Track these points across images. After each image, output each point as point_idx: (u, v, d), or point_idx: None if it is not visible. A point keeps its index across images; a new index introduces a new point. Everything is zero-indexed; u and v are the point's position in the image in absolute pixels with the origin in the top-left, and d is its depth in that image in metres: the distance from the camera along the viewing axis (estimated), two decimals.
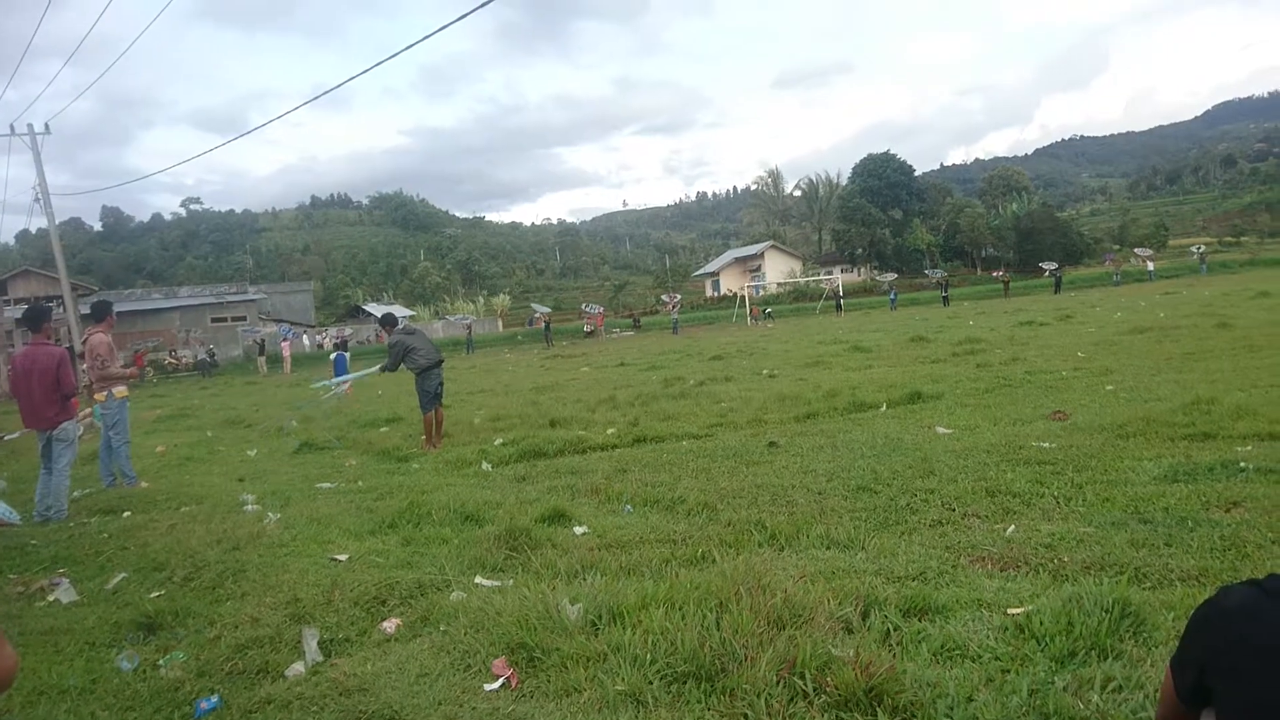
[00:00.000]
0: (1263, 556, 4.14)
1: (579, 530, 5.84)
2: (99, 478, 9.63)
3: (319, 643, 4.05)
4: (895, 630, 3.54)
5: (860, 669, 3.04)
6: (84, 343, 9.53)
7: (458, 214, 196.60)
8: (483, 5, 9.72)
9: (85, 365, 9.61)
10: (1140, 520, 4.89)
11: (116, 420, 9.34)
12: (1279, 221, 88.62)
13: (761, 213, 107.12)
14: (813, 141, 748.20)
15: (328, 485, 8.86)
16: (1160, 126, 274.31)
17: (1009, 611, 3.60)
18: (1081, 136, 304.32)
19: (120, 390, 9.35)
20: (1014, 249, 72.27)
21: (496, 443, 10.71)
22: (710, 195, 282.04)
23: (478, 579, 4.84)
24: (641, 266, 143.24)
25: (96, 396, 9.36)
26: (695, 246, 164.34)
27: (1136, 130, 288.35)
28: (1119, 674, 2.98)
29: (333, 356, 28.85)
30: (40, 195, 34.74)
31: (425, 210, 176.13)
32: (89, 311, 9.48)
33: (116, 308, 10.58)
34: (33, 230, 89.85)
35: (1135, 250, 64.27)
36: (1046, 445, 7.09)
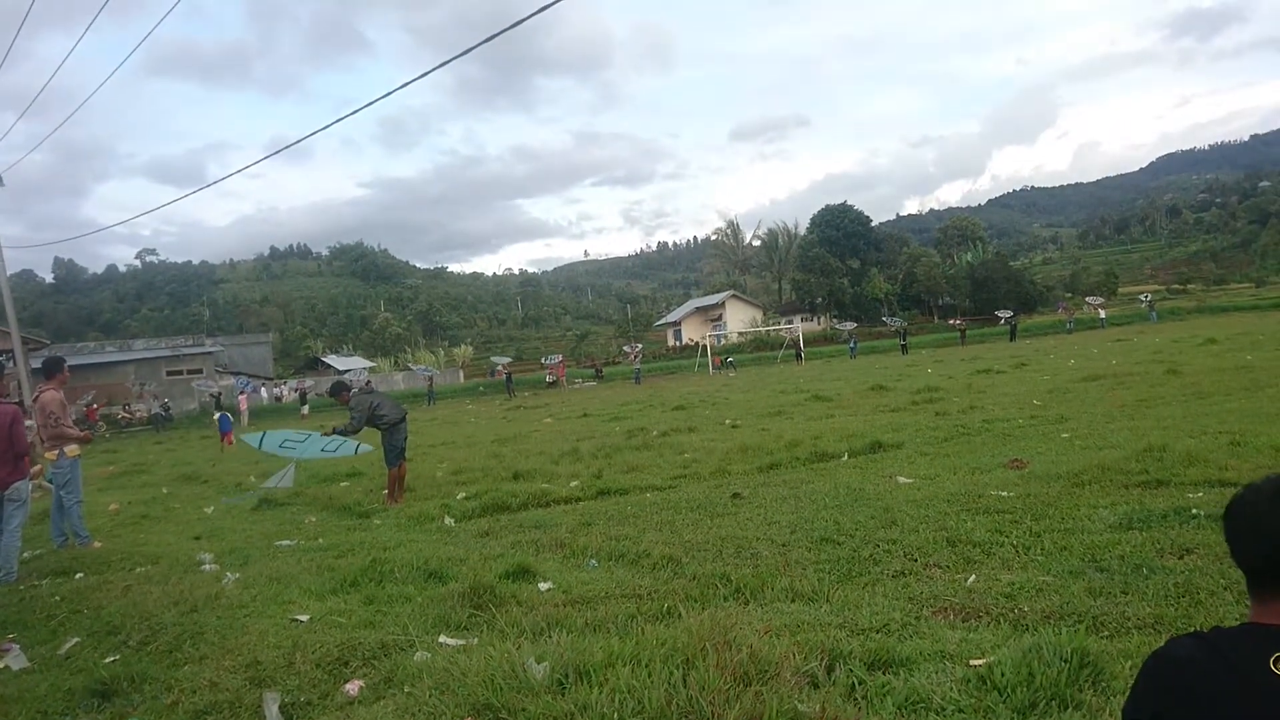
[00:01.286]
0: (1215, 603, 4.23)
1: (544, 586, 5.82)
2: (50, 538, 9.39)
3: (280, 707, 3.99)
4: (860, 684, 3.57)
5: None
6: (35, 400, 9.33)
7: (419, 265, 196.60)
8: (443, 65, 9.85)
9: (36, 423, 9.37)
10: (1097, 568, 4.98)
11: (68, 479, 9.12)
12: (1223, 269, 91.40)
13: (722, 262, 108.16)
14: (771, 192, 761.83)
15: (287, 543, 8.73)
16: (1107, 178, 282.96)
17: (971, 663, 3.64)
18: (1032, 187, 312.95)
19: (72, 449, 9.13)
20: (969, 297, 73.63)
21: (459, 497, 10.63)
22: (671, 245, 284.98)
23: (442, 638, 4.80)
24: (603, 316, 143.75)
25: (48, 455, 9.16)
26: (657, 296, 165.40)
27: (1084, 181, 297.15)
28: None
29: (216, 416, 26.92)
30: None
31: (386, 261, 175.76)
32: (39, 366, 9.27)
33: (70, 361, 10.38)
34: None
35: (1087, 298, 65.70)
36: (1005, 494, 7.20)
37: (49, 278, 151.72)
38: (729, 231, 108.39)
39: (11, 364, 34.87)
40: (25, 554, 8.63)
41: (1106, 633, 4.02)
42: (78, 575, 7.73)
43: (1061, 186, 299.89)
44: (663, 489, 9.89)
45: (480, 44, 9.71)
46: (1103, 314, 54.29)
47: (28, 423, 9.25)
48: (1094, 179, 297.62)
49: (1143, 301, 58.69)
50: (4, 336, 41.59)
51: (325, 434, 11.98)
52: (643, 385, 44.23)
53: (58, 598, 6.69)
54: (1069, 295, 74.97)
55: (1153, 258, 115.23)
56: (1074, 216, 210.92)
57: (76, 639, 5.48)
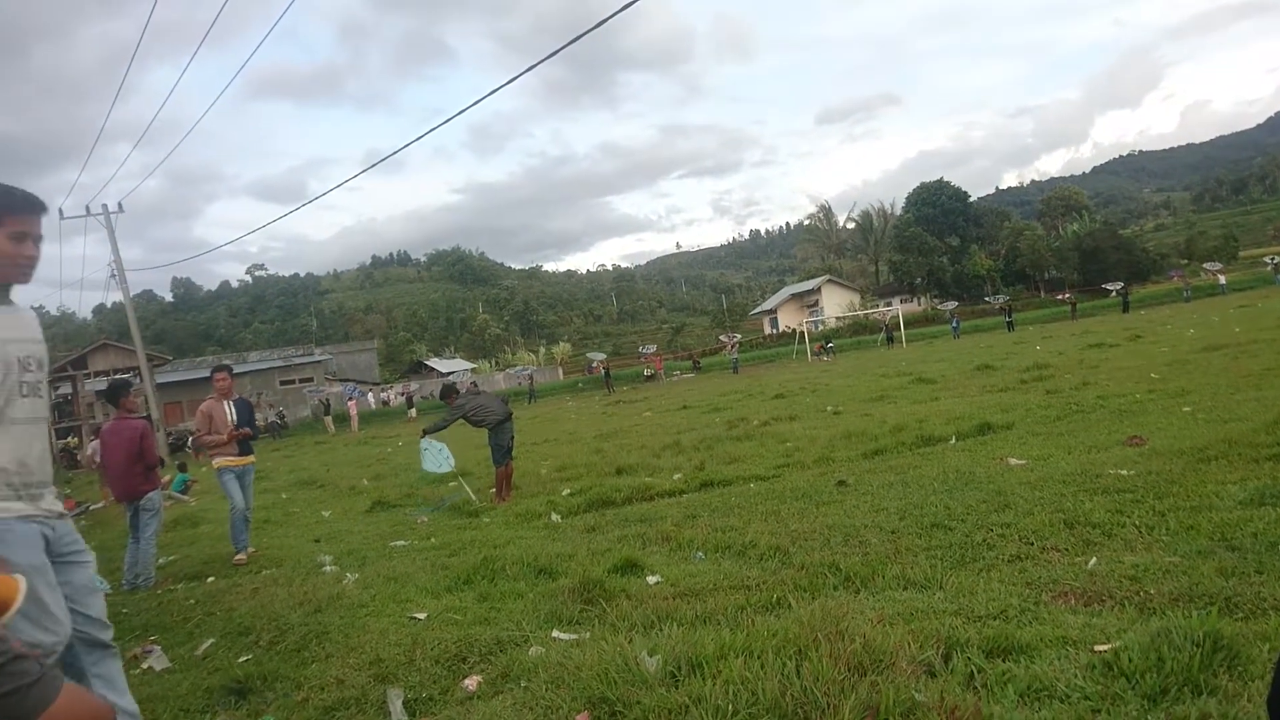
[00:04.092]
0: None
1: (652, 580, 5.85)
2: (232, 541, 9.45)
3: (404, 702, 4.12)
4: (979, 672, 3.48)
5: (945, 713, 3.01)
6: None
7: (514, 265, 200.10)
8: (529, 70, 9.99)
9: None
10: (1228, 547, 4.75)
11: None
12: None
13: (816, 247, 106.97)
14: (863, 173, 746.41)
15: (401, 543, 9.00)
16: (1221, 136, 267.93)
17: (1096, 649, 3.52)
18: (1139, 152, 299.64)
19: (220, 459, 9.28)
20: (1077, 270, 70.99)
21: (564, 493, 10.78)
22: (763, 233, 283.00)
23: (555, 633, 4.88)
24: (698, 307, 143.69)
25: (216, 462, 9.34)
26: (751, 285, 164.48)
27: (1196, 142, 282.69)
28: (1215, 710, 2.89)
29: (169, 480, 17.30)
30: (115, 271, 36.28)
31: (482, 264, 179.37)
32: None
33: (188, 375, 10.87)
34: (108, 304, 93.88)
35: (1205, 264, 62.64)
36: (1124, 472, 6.93)
37: (168, 296, 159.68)
38: (821, 215, 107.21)
39: (138, 380, 36.81)
40: (160, 559, 9.13)
41: (1241, 615, 3.83)
42: (209, 579, 8.13)
43: (1171, 149, 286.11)
44: (766, 479, 9.84)
45: (565, 46, 9.83)
46: (1222, 279, 51.76)
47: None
48: (1206, 139, 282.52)
49: (1267, 264, 55.66)
50: (130, 354, 43.94)
51: (424, 432, 12.15)
52: (741, 375, 44.08)
53: (192, 601, 7.05)
54: (1184, 262, 71.62)
55: (1276, 218, 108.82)
56: (1186, 179, 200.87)
57: (212, 640, 5.76)
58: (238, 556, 9.03)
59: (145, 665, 5.38)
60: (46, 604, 2.73)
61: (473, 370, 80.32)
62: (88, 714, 1.49)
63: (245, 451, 9.31)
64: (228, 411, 9.21)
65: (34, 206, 2.86)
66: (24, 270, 2.85)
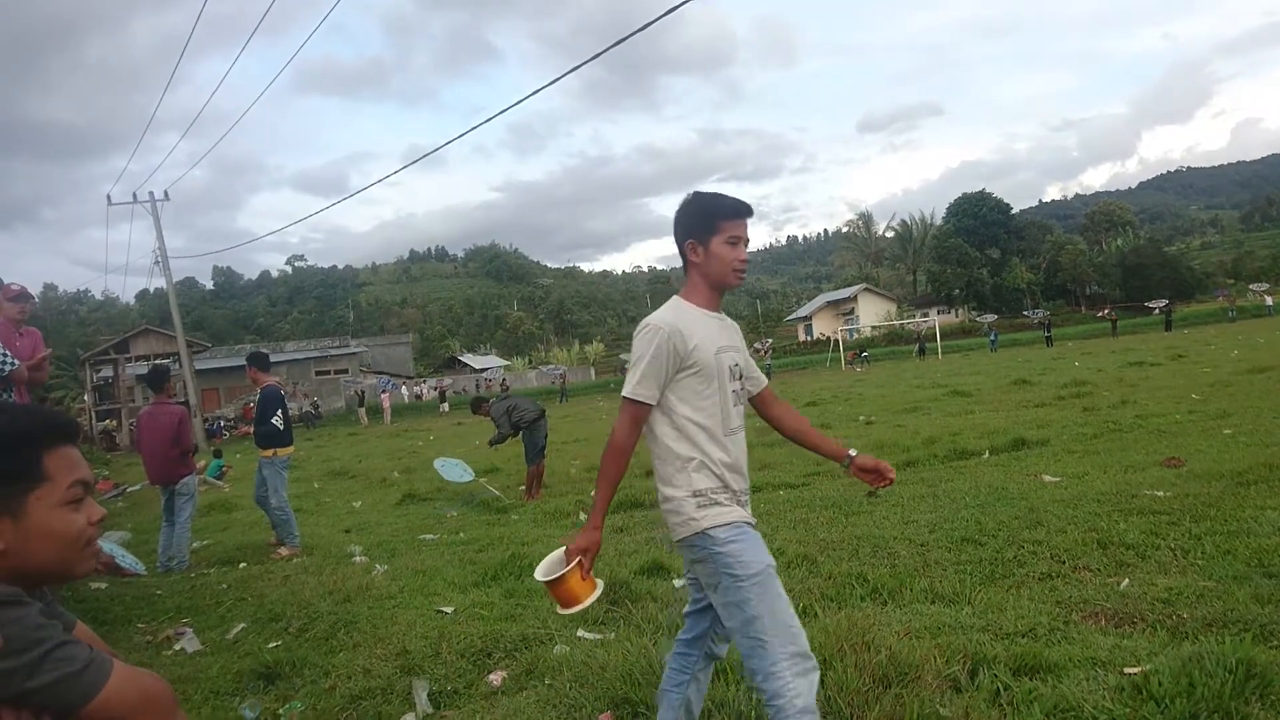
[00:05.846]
0: None
1: (678, 583, 5.85)
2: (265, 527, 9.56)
3: (429, 694, 4.16)
4: (1005, 689, 3.46)
5: None
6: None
7: (550, 264, 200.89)
8: (572, 70, 10.04)
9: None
10: (1265, 574, 4.66)
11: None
12: None
13: (853, 255, 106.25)
14: (903, 182, 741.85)
15: (430, 537, 9.07)
16: (1273, 154, 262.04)
17: (1125, 671, 3.48)
18: (1187, 168, 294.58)
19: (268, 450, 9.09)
20: (1119, 286, 69.96)
21: (593, 493, 10.79)
22: (800, 239, 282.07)
23: (580, 632, 4.90)
24: (733, 312, 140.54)
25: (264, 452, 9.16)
26: (787, 291, 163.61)
27: (1247, 160, 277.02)
28: None
29: (205, 466, 16.97)
30: (160, 258, 36.89)
31: (518, 261, 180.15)
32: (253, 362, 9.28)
33: (225, 363, 10.99)
34: (151, 290, 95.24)
35: (1251, 285, 61.49)
36: (1160, 494, 6.83)
37: (209, 284, 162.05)
38: (860, 223, 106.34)
39: (178, 366, 37.40)
40: (194, 544, 9.27)
41: (1276, 643, 3.76)
42: (241, 565, 8.25)
43: (1220, 166, 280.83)
44: (796, 486, 9.81)
45: (608, 49, 9.87)
46: (1269, 300, 50.76)
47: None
48: (1257, 156, 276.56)
49: None
50: (170, 340, 44.60)
51: (489, 445, 12.26)
52: (774, 380, 43.92)
53: (225, 585, 7.17)
54: (1231, 281, 70.21)
55: None
56: (1235, 198, 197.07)
57: (243, 625, 5.85)
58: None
59: (178, 647, 5.48)
60: None
61: (506, 367, 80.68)
62: (141, 697, 1.45)
63: (262, 445, 9.13)
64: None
65: (746, 211, 2.90)
66: (739, 274, 2.91)
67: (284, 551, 8.73)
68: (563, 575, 2.70)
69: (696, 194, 2.94)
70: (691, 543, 2.75)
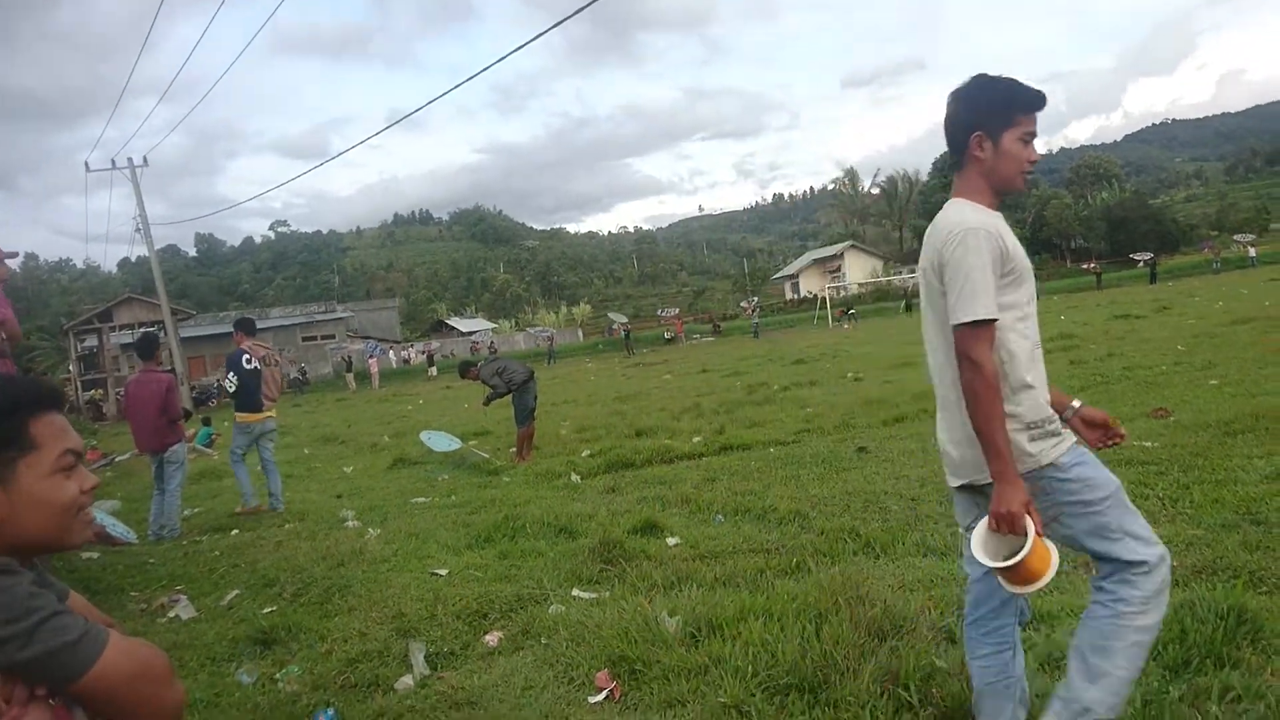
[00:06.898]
0: None
1: (672, 541, 5.88)
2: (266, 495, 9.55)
3: (425, 656, 4.18)
4: None
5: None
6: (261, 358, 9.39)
7: (535, 226, 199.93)
8: (554, 26, 9.89)
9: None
10: (1253, 521, 4.70)
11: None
12: None
13: (840, 212, 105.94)
14: (888, 138, 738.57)
15: (422, 500, 9.07)
16: (1257, 106, 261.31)
17: None
18: (1171, 121, 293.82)
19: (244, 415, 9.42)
20: (1105, 239, 69.95)
21: (584, 454, 10.82)
22: (786, 197, 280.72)
23: (575, 591, 4.92)
24: (719, 271, 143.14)
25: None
26: (773, 249, 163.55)
27: (1231, 111, 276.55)
28: (1237, 683, 2.89)
29: (194, 434, 16.18)
30: (141, 225, 36.39)
31: (503, 224, 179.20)
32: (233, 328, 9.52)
33: (211, 330, 10.95)
34: (133, 258, 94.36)
35: (1235, 236, 61.69)
36: (1149, 444, 6.87)
37: (192, 251, 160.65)
38: (846, 181, 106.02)
39: (163, 334, 37.13)
40: (185, 511, 9.25)
41: (1265, 589, 3.80)
42: (234, 532, 8.23)
43: (1205, 118, 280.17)
44: (786, 444, 9.84)
45: (590, 2, 9.69)
46: (1253, 252, 50.94)
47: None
48: (1241, 108, 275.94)
49: None
50: (154, 308, 44.17)
51: (484, 404, 12.32)
52: (761, 339, 43.97)
53: (217, 553, 7.15)
54: (1215, 233, 70.31)
55: None
56: (1220, 149, 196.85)
57: (237, 591, 5.85)
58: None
59: (172, 614, 5.47)
60: None
61: (493, 330, 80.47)
62: (137, 667, 1.42)
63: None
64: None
65: (1044, 103, 2.52)
66: (1027, 177, 2.58)
67: (238, 508, 9.21)
68: (1029, 553, 2.25)
69: (989, 78, 2.53)
70: (1028, 479, 2.38)
